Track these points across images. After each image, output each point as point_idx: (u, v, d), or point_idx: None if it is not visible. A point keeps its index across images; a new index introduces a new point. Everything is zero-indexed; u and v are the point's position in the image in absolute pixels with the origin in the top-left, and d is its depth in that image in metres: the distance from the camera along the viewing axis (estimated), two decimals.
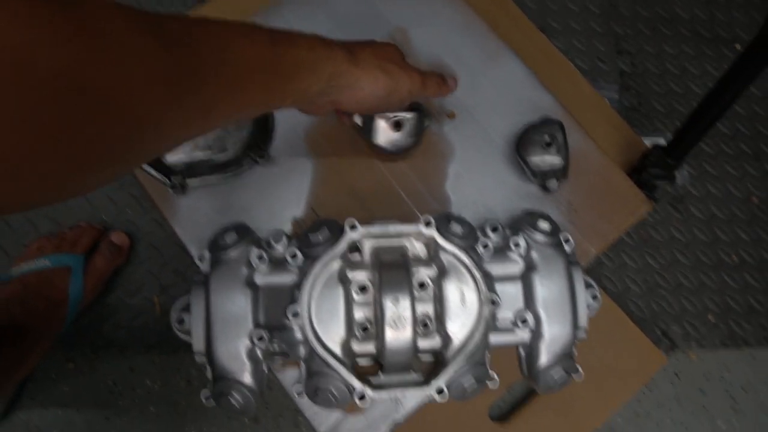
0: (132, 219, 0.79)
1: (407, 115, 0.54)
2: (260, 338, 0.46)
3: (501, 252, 0.50)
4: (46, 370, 0.75)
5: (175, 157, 0.53)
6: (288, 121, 0.56)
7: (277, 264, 0.48)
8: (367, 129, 0.54)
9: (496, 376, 0.49)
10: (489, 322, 0.47)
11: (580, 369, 0.50)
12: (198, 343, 0.47)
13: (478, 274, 0.47)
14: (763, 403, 0.78)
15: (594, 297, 0.51)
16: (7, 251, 0.79)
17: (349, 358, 0.46)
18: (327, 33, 0.43)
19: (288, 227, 0.54)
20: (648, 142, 0.78)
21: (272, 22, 0.40)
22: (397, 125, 0.54)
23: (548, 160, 0.54)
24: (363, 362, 0.49)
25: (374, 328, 0.47)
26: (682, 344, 0.78)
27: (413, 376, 0.48)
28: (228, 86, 0.33)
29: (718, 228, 0.83)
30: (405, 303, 0.45)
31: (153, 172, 0.54)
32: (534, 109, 0.58)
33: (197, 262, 0.49)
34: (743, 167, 0.87)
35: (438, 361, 0.48)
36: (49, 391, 0.74)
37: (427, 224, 0.47)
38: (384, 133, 0.54)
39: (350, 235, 0.46)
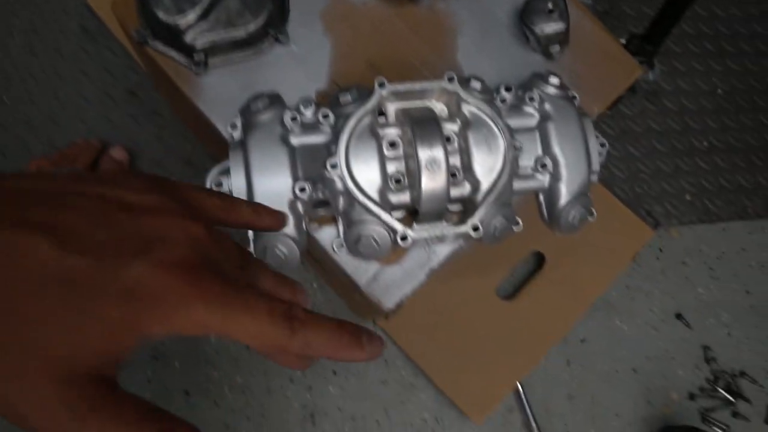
0: (131, 136, 0.79)
1: None
2: (302, 189, 0.48)
3: (516, 107, 0.53)
4: None
5: (195, 35, 0.53)
6: (302, 3, 0.57)
7: (309, 127, 0.50)
8: None
9: (520, 221, 0.53)
10: (513, 165, 0.51)
11: (594, 210, 0.54)
12: None
13: (500, 122, 0.50)
14: (735, 271, 0.86)
15: (603, 145, 0.55)
16: None
17: (386, 208, 0.49)
18: None
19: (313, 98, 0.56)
20: None
21: None
22: None
23: (551, 26, 0.58)
24: (396, 216, 0.52)
25: (406, 180, 0.50)
26: (664, 222, 0.84)
27: (445, 223, 0.52)
28: None
29: (689, 118, 0.90)
30: (438, 147, 0.47)
31: (173, 53, 0.55)
32: None
33: (227, 130, 0.51)
34: (708, 63, 0.93)
35: (467, 209, 0.52)
36: None
37: (450, 80, 0.50)
38: None
39: (380, 91, 0.49)
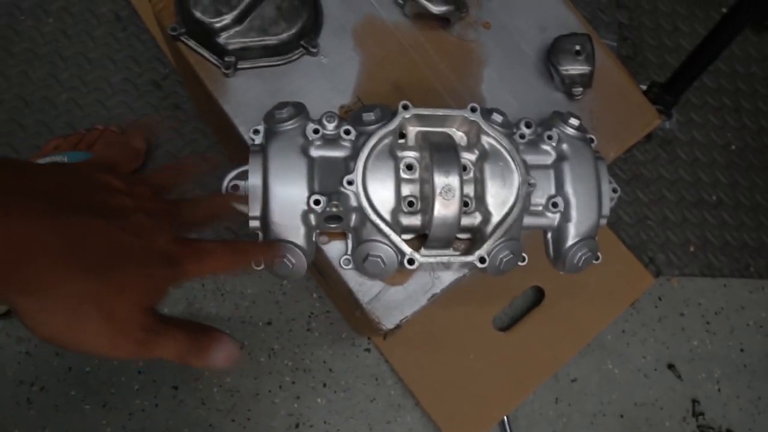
0: (150, 127, 0.79)
1: None
2: (317, 202, 0.48)
3: (534, 144, 0.54)
4: None
5: (229, 37, 0.54)
6: (336, 18, 0.58)
7: (330, 141, 0.51)
8: None
9: (526, 256, 0.53)
10: (525, 201, 0.51)
11: (600, 255, 0.55)
12: (254, 207, 0.49)
13: (517, 157, 0.51)
14: (732, 327, 0.86)
15: (615, 190, 0.56)
16: (18, 152, 0.78)
17: (397, 229, 0.50)
18: None
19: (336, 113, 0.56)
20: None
21: None
22: None
23: (577, 68, 0.59)
24: (405, 238, 0.53)
25: (420, 203, 0.50)
26: (666, 271, 0.85)
27: (452, 251, 0.52)
28: None
29: (700, 170, 0.91)
30: (454, 176, 0.48)
31: (205, 52, 0.56)
32: (562, 26, 0.62)
33: (249, 135, 0.52)
34: (724, 118, 0.94)
35: (475, 239, 0.52)
36: None
37: (473, 110, 0.51)
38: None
39: (403, 113, 0.50)
